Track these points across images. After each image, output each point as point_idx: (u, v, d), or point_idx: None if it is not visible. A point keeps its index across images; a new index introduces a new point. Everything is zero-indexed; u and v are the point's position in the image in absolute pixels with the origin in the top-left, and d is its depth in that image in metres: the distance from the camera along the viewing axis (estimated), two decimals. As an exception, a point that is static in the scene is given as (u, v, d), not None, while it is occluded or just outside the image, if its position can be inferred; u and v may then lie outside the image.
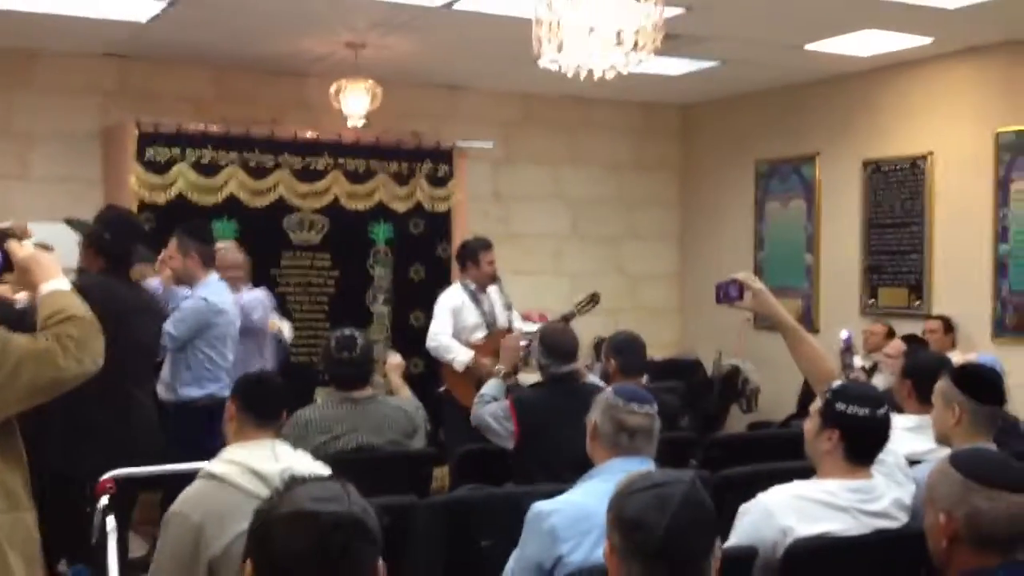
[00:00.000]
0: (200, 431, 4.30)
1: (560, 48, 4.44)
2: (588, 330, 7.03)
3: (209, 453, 3.08)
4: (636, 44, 4.25)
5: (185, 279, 4.69)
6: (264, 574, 1.52)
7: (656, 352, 7.77)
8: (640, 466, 2.64)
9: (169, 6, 5.42)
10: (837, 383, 2.81)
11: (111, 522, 3.33)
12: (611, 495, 1.86)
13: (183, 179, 6.14)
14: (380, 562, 1.56)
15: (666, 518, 1.73)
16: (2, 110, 6.32)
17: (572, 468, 3.07)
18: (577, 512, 2.54)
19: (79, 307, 2.30)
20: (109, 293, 3.85)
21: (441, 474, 4.89)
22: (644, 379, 4.36)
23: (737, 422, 7.31)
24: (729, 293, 3.16)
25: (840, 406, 2.66)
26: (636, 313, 8.23)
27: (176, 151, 6.14)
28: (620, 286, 8.23)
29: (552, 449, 3.58)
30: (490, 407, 3.96)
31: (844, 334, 5.42)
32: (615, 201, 8.33)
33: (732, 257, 8.06)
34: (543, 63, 4.45)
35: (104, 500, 3.32)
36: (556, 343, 3.98)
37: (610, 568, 1.82)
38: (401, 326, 6.81)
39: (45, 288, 2.30)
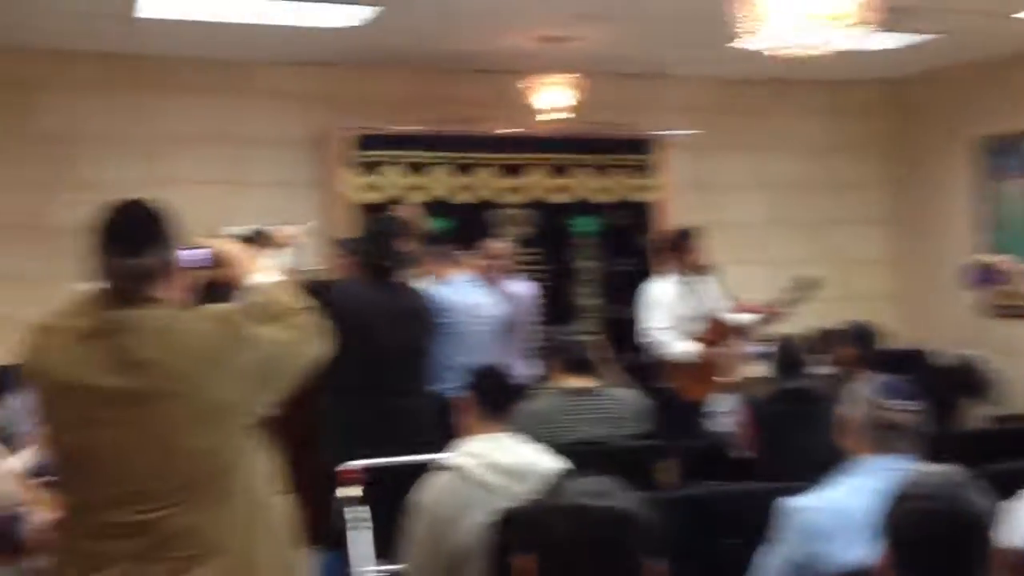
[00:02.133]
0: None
1: (763, 30, 4.31)
2: (799, 320, 6.80)
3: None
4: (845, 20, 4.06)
5: (439, 281, 4.90)
6: (544, 566, 1.51)
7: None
8: (902, 465, 2.51)
9: (374, 14, 5.57)
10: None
11: (361, 512, 3.44)
12: (880, 497, 1.77)
13: (393, 180, 6.31)
14: (662, 563, 1.52)
15: (940, 529, 1.63)
16: (220, 118, 6.64)
17: (814, 472, 2.97)
18: (834, 509, 2.43)
19: (298, 297, 2.36)
20: (354, 301, 4.03)
21: (662, 468, 4.80)
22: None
23: (975, 416, 6.87)
24: (989, 277, 2.95)
25: None
26: (848, 302, 7.87)
27: (386, 154, 6.31)
28: (829, 274, 7.87)
29: (791, 456, 3.48)
30: (722, 420, 3.92)
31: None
32: (821, 185, 8.02)
33: (952, 240, 7.61)
34: (741, 43, 4.31)
35: (349, 489, 3.43)
36: (788, 355, 3.93)
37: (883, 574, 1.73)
38: (609, 318, 6.77)
39: (256, 280, 2.35)
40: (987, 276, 2.93)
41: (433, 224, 6.20)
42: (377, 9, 5.51)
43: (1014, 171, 7.22)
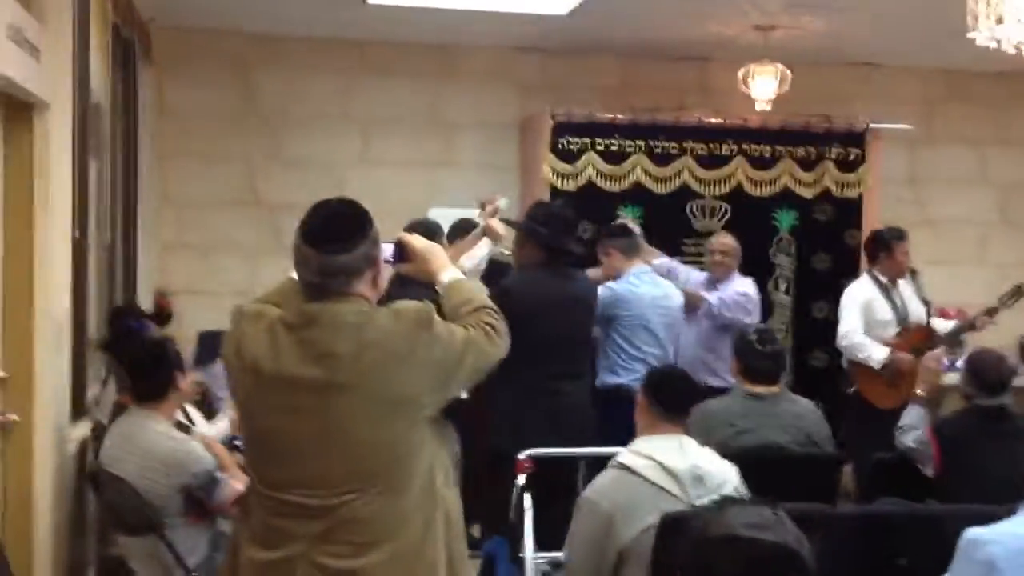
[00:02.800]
0: (619, 418, 4.43)
1: (1000, 21, 4.07)
2: (1014, 326, 6.40)
3: (625, 441, 3.17)
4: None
5: (614, 275, 4.89)
6: None
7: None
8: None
9: (581, 2, 5.59)
10: None
11: (528, 499, 3.52)
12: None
13: (592, 167, 6.35)
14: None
15: None
16: (430, 100, 6.86)
17: (1002, 495, 2.81)
18: (1019, 544, 2.30)
19: (484, 296, 2.45)
20: (531, 288, 4.13)
21: (843, 476, 4.66)
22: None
23: None
24: None
25: None
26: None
27: (586, 140, 6.35)
28: (1053, 280, 7.37)
29: (976, 475, 3.31)
30: (912, 434, 3.76)
31: None
32: (1052, 184, 7.47)
33: None
34: (980, 40, 4.08)
35: (522, 479, 3.52)
36: (984, 371, 3.66)
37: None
38: (803, 316, 6.59)
39: (445, 277, 2.44)
40: None
41: (628, 213, 6.23)
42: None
43: None
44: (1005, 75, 7.14)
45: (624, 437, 3.23)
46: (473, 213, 5.05)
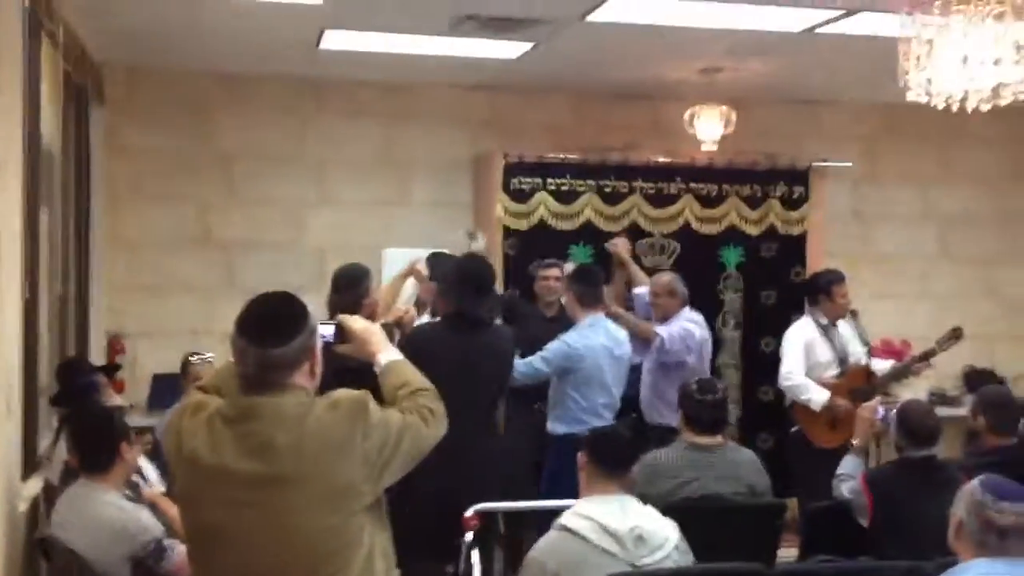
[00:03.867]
0: (569, 465, 4.51)
1: (929, 79, 4.23)
2: (954, 357, 6.57)
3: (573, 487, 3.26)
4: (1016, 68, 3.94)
5: (569, 312, 4.99)
6: None
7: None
8: (1009, 570, 2.47)
9: (535, 47, 5.71)
10: None
11: (475, 555, 3.59)
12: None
13: (544, 206, 6.45)
14: None
15: None
16: (385, 140, 6.93)
17: (933, 545, 2.93)
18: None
19: (422, 379, 2.49)
20: (429, 344, 4.02)
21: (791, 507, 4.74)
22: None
23: None
24: None
25: None
26: (1012, 343, 7.56)
27: (538, 180, 6.46)
28: (994, 311, 7.59)
29: (908, 527, 3.42)
30: (847, 484, 3.88)
31: None
32: (990, 218, 7.68)
33: None
34: (910, 96, 4.24)
35: (469, 536, 3.58)
36: (913, 423, 3.76)
37: None
38: (751, 351, 6.73)
39: (383, 358, 2.50)
40: None
41: (579, 252, 6.34)
42: (533, 44, 5.65)
43: None
44: (945, 111, 7.33)
45: (573, 483, 3.32)
46: (428, 250, 5.29)
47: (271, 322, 2.23)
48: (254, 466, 2.17)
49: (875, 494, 3.70)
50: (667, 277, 5.57)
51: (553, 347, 4.80)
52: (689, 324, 5.39)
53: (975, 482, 2.62)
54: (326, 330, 2.47)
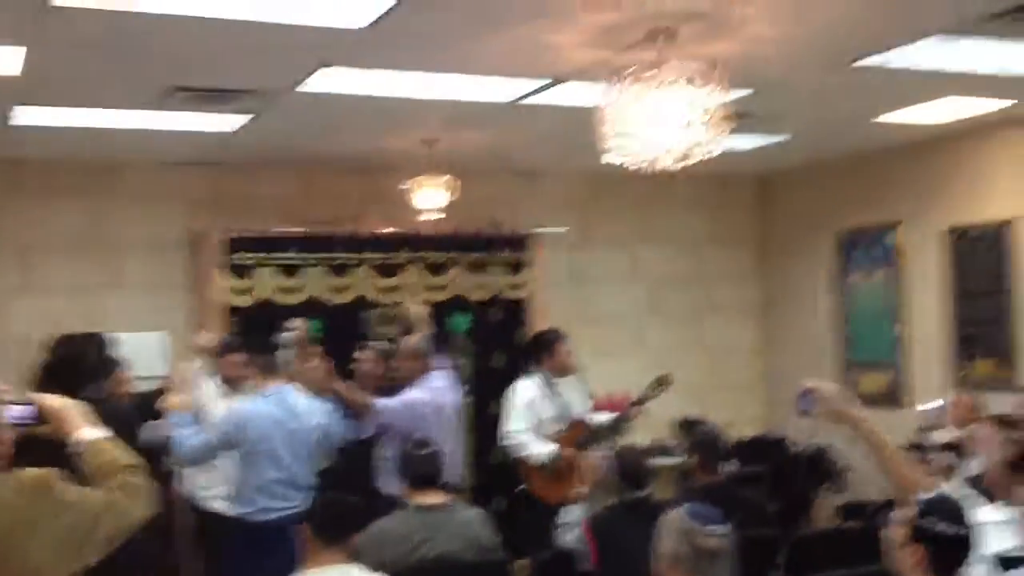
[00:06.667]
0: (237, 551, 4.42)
1: (626, 143, 4.50)
2: (669, 408, 6.96)
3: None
4: (704, 130, 4.27)
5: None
6: None
7: (741, 428, 7.67)
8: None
9: (253, 119, 5.64)
10: (928, 495, 2.74)
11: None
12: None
13: (267, 282, 6.34)
14: None
15: None
16: (93, 220, 6.59)
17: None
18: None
19: (127, 455, 2.38)
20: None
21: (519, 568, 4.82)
22: (733, 464, 4.35)
23: (827, 504, 7.12)
24: (804, 403, 3.11)
25: (929, 522, 2.59)
26: (719, 391, 8.13)
27: (261, 255, 6.35)
28: (702, 362, 8.16)
29: (630, 566, 3.55)
30: (571, 533, 4.00)
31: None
32: (693, 277, 8.30)
33: (816, 330, 7.93)
34: (610, 158, 4.49)
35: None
36: (629, 467, 3.99)
37: None
38: (483, 415, 6.84)
39: (85, 435, 2.36)
40: (806, 403, 3.09)
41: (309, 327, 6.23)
42: (251, 116, 5.58)
43: (865, 262, 7.59)
44: (649, 178, 7.86)
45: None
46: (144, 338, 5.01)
47: None
48: None
49: (597, 538, 3.82)
50: (414, 340, 5.39)
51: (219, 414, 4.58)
52: (424, 393, 5.19)
53: (679, 511, 2.76)
54: (17, 411, 2.31)
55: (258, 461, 4.43)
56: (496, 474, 6.66)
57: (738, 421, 7.69)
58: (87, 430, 2.38)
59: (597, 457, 4.39)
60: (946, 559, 2.61)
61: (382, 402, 5.13)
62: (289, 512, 4.29)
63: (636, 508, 3.89)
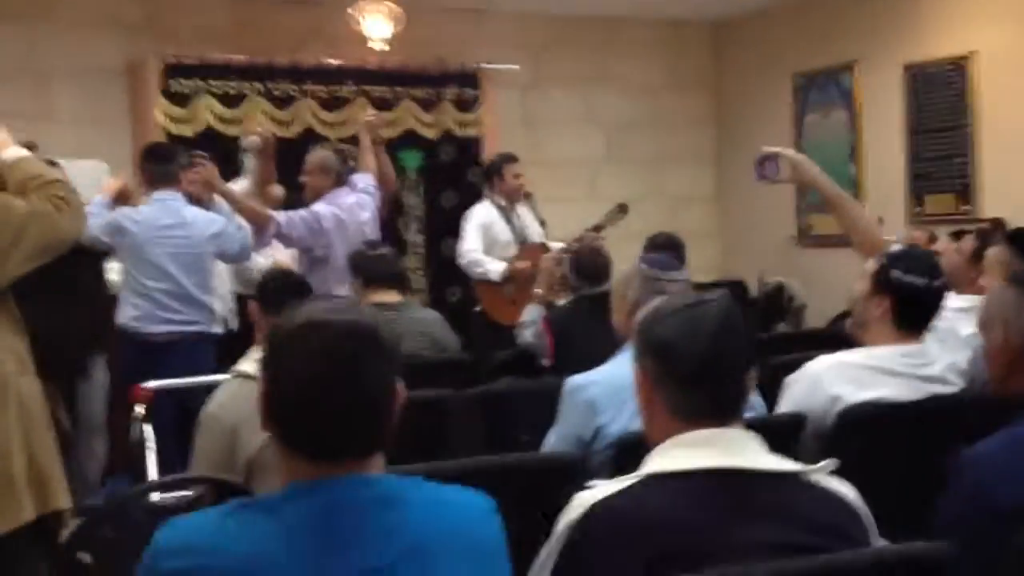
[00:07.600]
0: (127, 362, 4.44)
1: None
2: (624, 255, 6.90)
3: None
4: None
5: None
6: (277, 387, 1.45)
7: (697, 276, 7.63)
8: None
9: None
10: (896, 247, 2.69)
11: (148, 431, 3.30)
12: (640, 320, 1.77)
13: (208, 111, 6.08)
14: (399, 385, 1.49)
15: (700, 339, 1.64)
16: (25, 47, 6.24)
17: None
18: (615, 383, 2.45)
19: (55, 172, 2.35)
20: None
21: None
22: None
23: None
24: (767, 169, 3.05)
25: (896, 273, 2.54)
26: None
27: (200, 83, 6.07)
28: (659, 210, 8.05)
29: (587, 359, 3.50)
30: (530, 330, 3.97)
31: None
32: (650, 123, 8.14)
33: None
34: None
35: (140, 409, 3.29)
36: (588, 264, 3.94)
37: (642, 395, 1.74)
38: (435, 254, 6.73)
39: (8, 155, 2.32)
40: (767, 169, 3.04)
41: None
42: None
43: (821, 104, 7.50)
44: (602, 19, 7.67)
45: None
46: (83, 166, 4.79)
47: None
48: None
49: (555, 331, 3.77)
50: (320, 153, 4.92)
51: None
52: (333, 208, 4.69)
53: (637, 262, 2.71)
54: None
55: (139, 267, 4.43)
56: (454, 311, 6.55)
57: (695, 269, 7.64)
58: (10, 150, 2.27)
59: (556, 257, 4.33)
60: (914, 311, 2.57)
61: (281, 214, 4.66)
62: (184, 330, 4.42)
63: (594, 302, 3.82)
